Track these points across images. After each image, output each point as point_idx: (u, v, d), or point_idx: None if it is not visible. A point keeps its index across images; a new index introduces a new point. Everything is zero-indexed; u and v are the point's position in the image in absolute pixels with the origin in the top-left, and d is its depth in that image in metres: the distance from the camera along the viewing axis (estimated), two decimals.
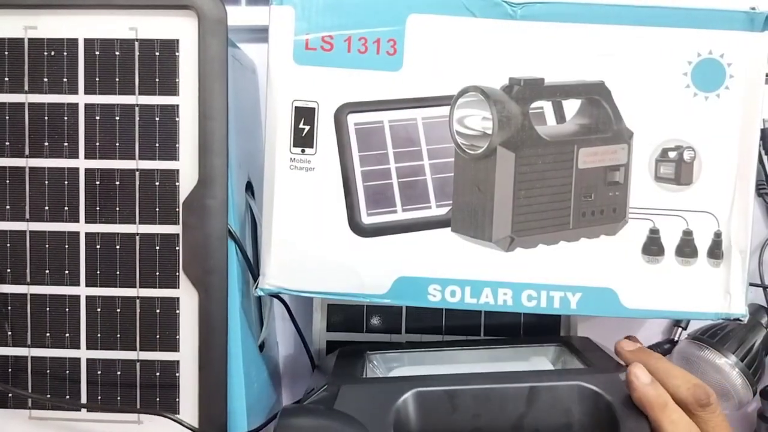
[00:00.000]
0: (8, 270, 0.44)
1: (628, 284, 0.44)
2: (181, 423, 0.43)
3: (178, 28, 0.42)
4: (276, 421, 0.39)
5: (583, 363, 0.46)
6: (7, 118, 0.43)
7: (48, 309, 0.44)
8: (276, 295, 0.49)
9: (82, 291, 0.44)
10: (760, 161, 0.56)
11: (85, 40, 0.43)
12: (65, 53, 0.43)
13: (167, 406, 0.44)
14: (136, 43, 0.42)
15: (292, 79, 0.43)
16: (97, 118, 0.43)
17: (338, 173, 0.44)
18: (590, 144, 0.44)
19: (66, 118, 0.43)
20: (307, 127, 0.43)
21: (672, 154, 0.43)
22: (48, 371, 0.44)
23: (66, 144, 0.43)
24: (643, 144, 0.44)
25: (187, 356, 0.43)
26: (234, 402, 0.44)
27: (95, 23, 0.42)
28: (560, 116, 0.45)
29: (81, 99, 0.43)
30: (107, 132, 0.43)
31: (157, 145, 0.43)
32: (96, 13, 0.42)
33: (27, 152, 0.43)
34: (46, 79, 0.43)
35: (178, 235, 0.43)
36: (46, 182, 0.43)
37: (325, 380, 0.43)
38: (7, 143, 0.43)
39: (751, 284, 0.52)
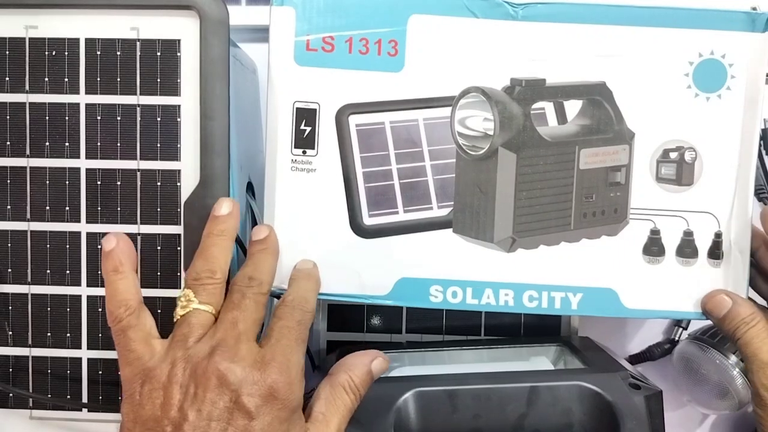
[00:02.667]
0: (9, 270, 0.44)
1: (628, 284, 0.44)
2: None
3: (180, 28, 0.42)
4: None
5: (583, 363, 0.46)
6: (8, 117, 0.43)
7: (49, 309, 0.44)
8: (277, 296, 0.49)
9: (84, 291, 0.44)
10: (761, 161, 0.56)
11: (87, 39, 0.42)
12: (66, 53, 0.43)
13: None
14: (138, 43, 0.42)
15: (293, 80, 0.43)
16: (99, 118, 0.43)
17: (340, 174, 0.44)
18: (591, 145, 0.44)
19: (67, 118, 0.43)
20: (308, 129, 0.43)
21: (673, 155, 0.44)
22: (49, 371, 0.44)
23: (67, 144, 0.43)
24: (645, 145, 0.44)
25: None
26: None
27: (96, 23, 0.42)
28: (562, 117, 0.45)
29: (82, 99, 0.43)
30: (108, 132, 0.43)
31: (159, 145, 0.43)
32: (97, 13, 0.42)
33: (28, 152, 0.43)
34: (47, 79, 0.43)
35: (179, 235, 0.43)
36: (47, 182, 0.43)
37: None
38: (8, 143, 0.43)
39: None
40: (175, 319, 0.38)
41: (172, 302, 0.43)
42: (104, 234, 0.43)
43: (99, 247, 0.43)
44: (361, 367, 0.39)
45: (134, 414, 0.35)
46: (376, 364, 0.40)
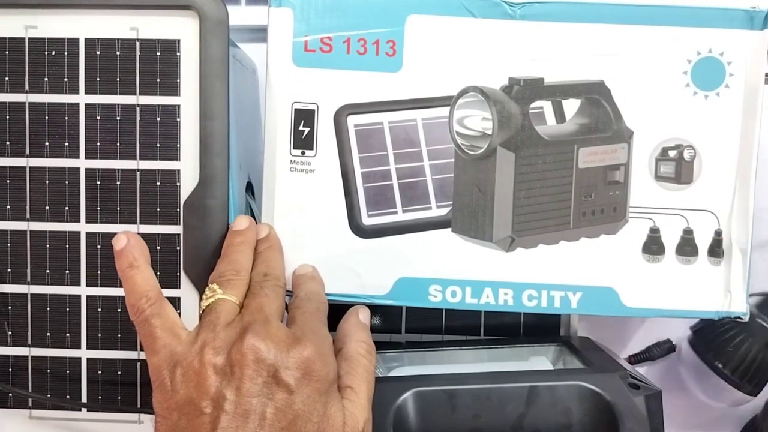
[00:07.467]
0: (9, 270, 0.44)
1: (628, 283, 0.44)
2: None
3: (180, 28, 0.42)
4: None
5: (583, 363, 0.46)
6: (8, 117, 0.43)
7: (48, 309, 0.44)
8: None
9: (83, 291, 0.44)
10: None
11: (86, 39, 0.43)
12: (66, 53, 0.43)
13: None
14: (137, 43, 0.43)
15: (292, 81, 0.43)
16: (98, 118, 0.43)
17: (338, 175, 0.44)
18: (590, 143, 0.44)
19: (67, 118, 0.43)
20: (306, 129, 0.44)
21: (672, 153, 0.44)
22: (48, 371, 0.44)
23: (67, 144, 0.43)
24: (643, 143, 0.44)
25: None
26: None
27: (96, 23, 0.42)
28: (560, 116, 0.45)
29: (82, 99, 0.43)
30: (108, 132, 0.43)
31: (158, 145, 0.43)
32: (97, 13, 0.42)
33: (27, 152, 0.43)
34: (46, 79, 0.43)
35: (178, 235, 0.43)
36: (47, 182, 0.43)
37: None
38: (8, 143, 0.43)
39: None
40: (199, 312, 0.38)
41: (172, 302, 0.43)
42: (104, 234, 0.43)
43: (98, 247, 0.43)
44: (355, 327, 0.40)
45: (167, 401, 0.35)
46: (363, 317, 0.41)
